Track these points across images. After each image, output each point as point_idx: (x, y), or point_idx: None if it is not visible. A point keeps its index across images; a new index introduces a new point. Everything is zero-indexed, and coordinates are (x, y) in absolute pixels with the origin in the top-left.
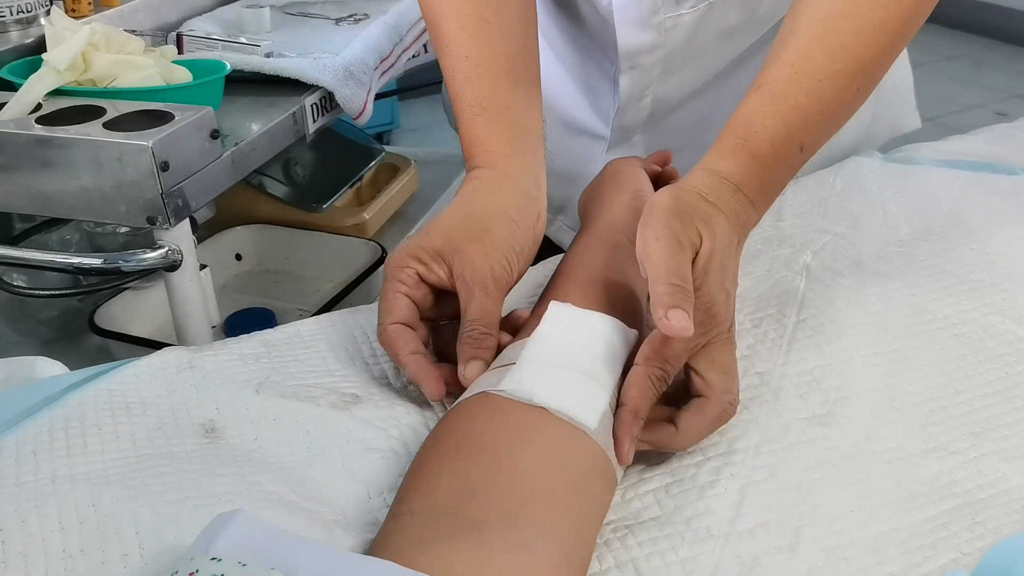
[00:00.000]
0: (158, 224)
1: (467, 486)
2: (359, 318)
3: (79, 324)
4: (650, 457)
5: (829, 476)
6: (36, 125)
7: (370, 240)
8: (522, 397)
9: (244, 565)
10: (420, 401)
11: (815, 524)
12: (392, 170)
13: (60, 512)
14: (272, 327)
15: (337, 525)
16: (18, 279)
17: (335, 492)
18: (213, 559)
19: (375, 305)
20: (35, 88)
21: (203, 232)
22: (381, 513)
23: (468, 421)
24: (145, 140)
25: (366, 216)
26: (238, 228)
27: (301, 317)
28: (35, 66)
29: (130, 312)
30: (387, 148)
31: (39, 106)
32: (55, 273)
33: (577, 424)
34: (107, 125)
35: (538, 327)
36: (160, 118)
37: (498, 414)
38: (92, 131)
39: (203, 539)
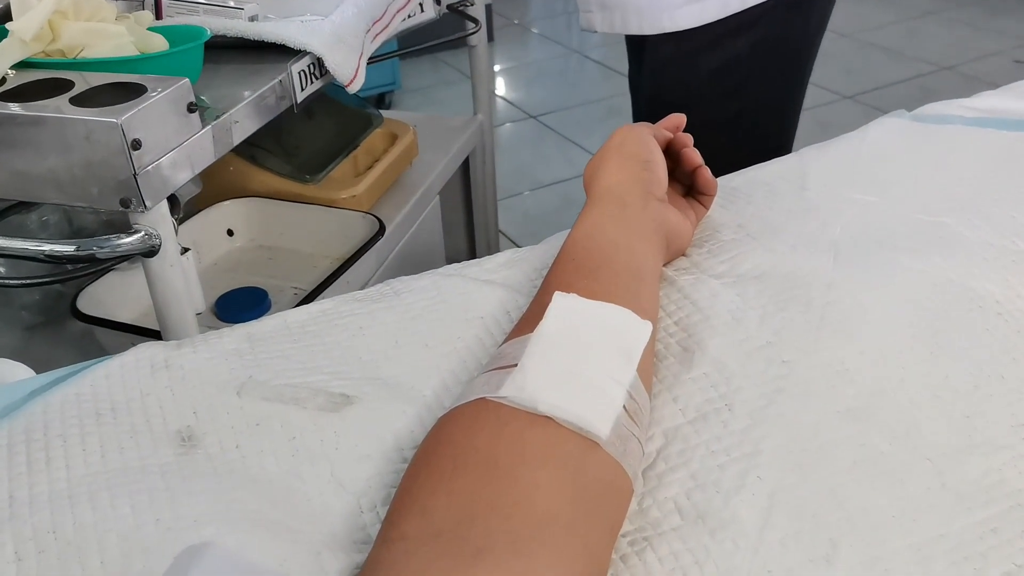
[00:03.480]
0: (132, 207)
1: (466, 508)
2: (353, 307)
3: (62, 308)
4: (670, 458)
5: (866, 477)
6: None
7: (367, 213)
8: (525, 405)
9: None
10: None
11: (852, 532)
12: (390, 137)
13: (16, 540)
14: (266, 307)
15: (325, 547)
16: None
17: (323, 507)
18: None
19: (369, 291)
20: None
21: (191, 207)
22: (374, 529)
23: (466, 433)
24: (114, 117)
25: (363, 187)
26: (229, 202)
27: (296, 296)
28: (0, 36)
29: (115, 295)
30: (385, 113)
31: (4, 80)
32: None
33: (587, 434)
34: (74, 100)
35: (541, 322)
36: (132, 91)
37: (499, 425)
38: (58, 107)
39: None
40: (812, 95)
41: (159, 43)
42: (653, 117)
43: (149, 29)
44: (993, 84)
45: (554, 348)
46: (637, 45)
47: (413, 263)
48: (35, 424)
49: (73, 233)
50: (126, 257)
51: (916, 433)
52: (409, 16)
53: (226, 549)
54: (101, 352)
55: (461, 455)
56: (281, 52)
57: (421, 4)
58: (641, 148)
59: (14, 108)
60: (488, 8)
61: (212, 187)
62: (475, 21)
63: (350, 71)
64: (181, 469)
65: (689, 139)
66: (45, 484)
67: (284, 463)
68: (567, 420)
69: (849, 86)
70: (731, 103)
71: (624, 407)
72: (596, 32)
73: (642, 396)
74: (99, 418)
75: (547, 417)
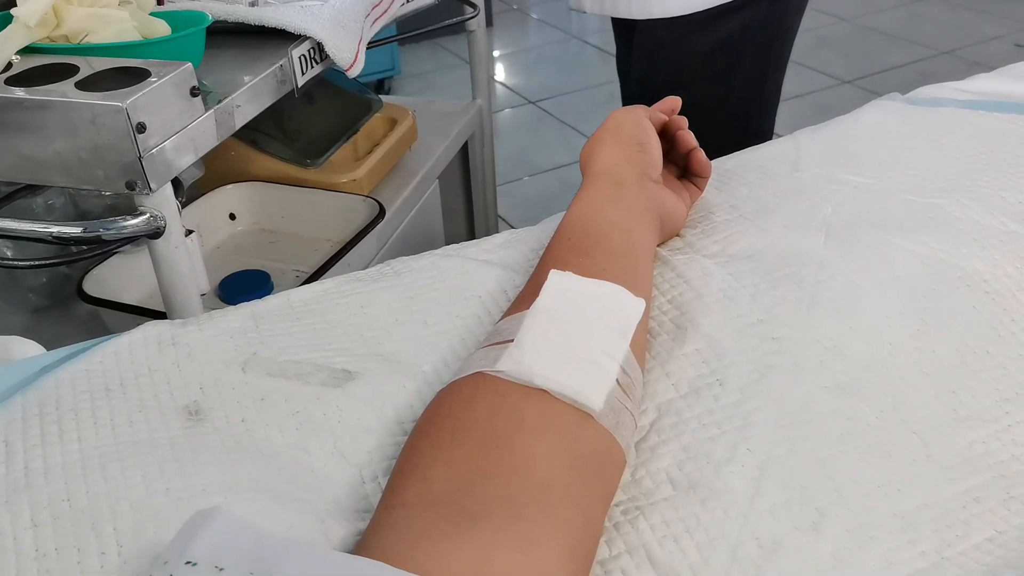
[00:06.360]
0: (138, 189)
1: (465, 476)
2: (355, 286)
3: (68, 290)
4: (663, 431)
5: (854, 449)
6: (5, 86)
7: (367, 197)
8: (521, 378)
9: (221, 570)
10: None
11: (840, 501)
12: (390, 121)
13: (33, 508)
14: (268, 289)
15: (329, 515)
16: (1, 248)
17: (327, 478)
18: (188, 563)
19: (369, 271)
20: (5, 46)
21: (193, 191)
22: (375, 498)
23: (464, 405)
24: (119, 100)
25: (363, 171)
26: (230, 186)
27: (298, 278)
28: (5, 22)
29: (120, 277)
30: (384, 98)
31: (9, 65)
32: None
33: (581, 406)
34: (80, 85)
35: (537, 298)
36: (136, 76)
37: (496, 398)
38: (63, 91)
39: (179, 541)
40: (811, 79)
41: (161, 28)
42: (643, 98)
43: (151, 15)
44: (993, 69)
45: (550, 324)
46: (627, 28)
47: (413, 247)
48: (47, 398)
49: (78, 216)
50: (132, 238)
51: (903, 407)
52: (408, 0)
53: (234, 514)
54: (107, 333)
55: (460, 427)
56: (281, 37)
57: None
58: (637, 130)
59: (20, 93)
60: None
61: (214, 171)
62: (473, 6)
63: (350, 55)
64: (189, 442)
65: (684, 121)
66: (59, 455)
67: (289, 436)
68: (562, 393)
69: (848, 71)
70: (720, 85)
71: (617, 381)
72: (585, 13)
73: (635, 371)
74: (109, 393)
75: (543, 390)
